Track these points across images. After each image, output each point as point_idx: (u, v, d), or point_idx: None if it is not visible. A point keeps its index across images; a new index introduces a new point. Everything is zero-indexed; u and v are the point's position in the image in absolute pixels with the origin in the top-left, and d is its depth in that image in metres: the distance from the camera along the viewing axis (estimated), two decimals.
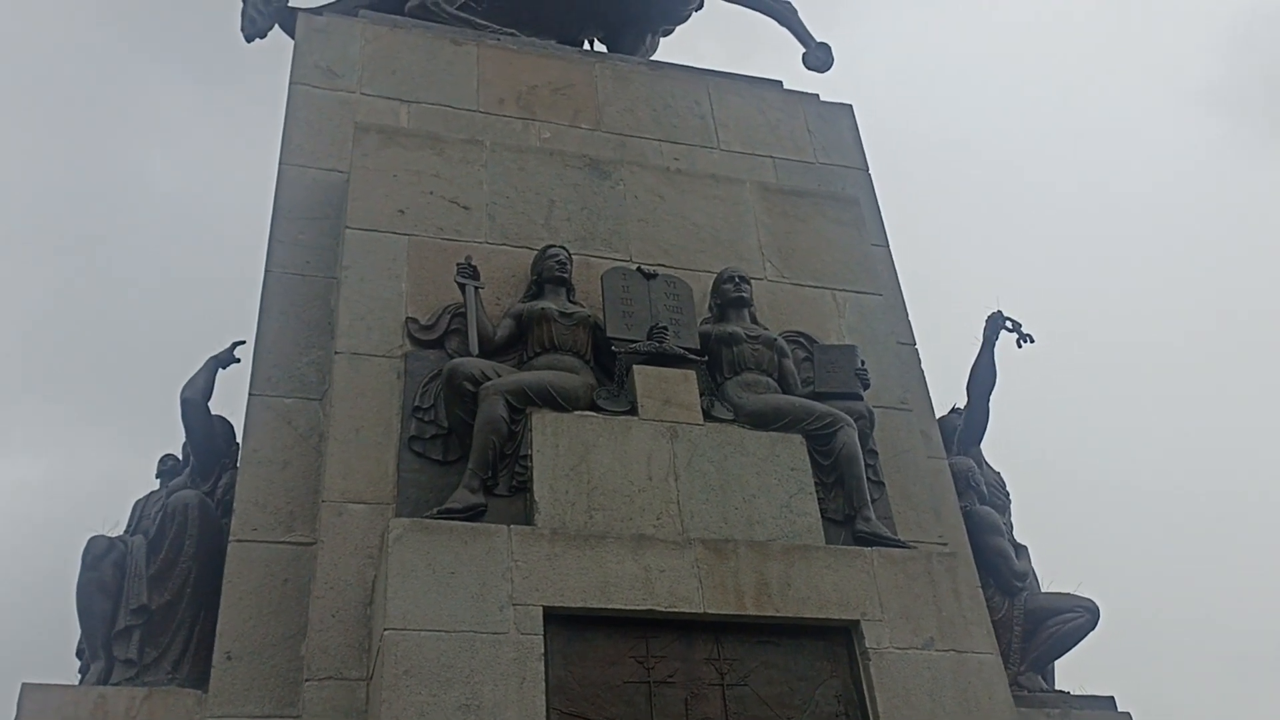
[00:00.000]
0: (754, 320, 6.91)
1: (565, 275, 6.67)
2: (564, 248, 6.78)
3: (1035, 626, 7.14)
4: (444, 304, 6.50)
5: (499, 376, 5.98)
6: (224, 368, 7.19)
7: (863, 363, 6.74)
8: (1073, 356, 22.92)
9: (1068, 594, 7.35)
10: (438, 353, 6.33)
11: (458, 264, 6.44)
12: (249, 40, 9.29)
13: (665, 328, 6.39)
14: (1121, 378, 24.29)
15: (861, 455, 6.27)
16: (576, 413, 5.97)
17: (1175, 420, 23.81)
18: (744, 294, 6.88)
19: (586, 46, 10.57)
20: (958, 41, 30.39)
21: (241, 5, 9.37)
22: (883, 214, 8.65)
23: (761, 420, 6.28)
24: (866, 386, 6.69)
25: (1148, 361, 24.62)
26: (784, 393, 6.58)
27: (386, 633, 4.86)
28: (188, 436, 6.90)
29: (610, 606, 5.21)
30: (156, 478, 7.32)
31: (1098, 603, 7.24)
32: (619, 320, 6.48)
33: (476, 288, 6.40)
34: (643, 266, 6.80)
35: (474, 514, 5.53)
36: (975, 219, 26.70)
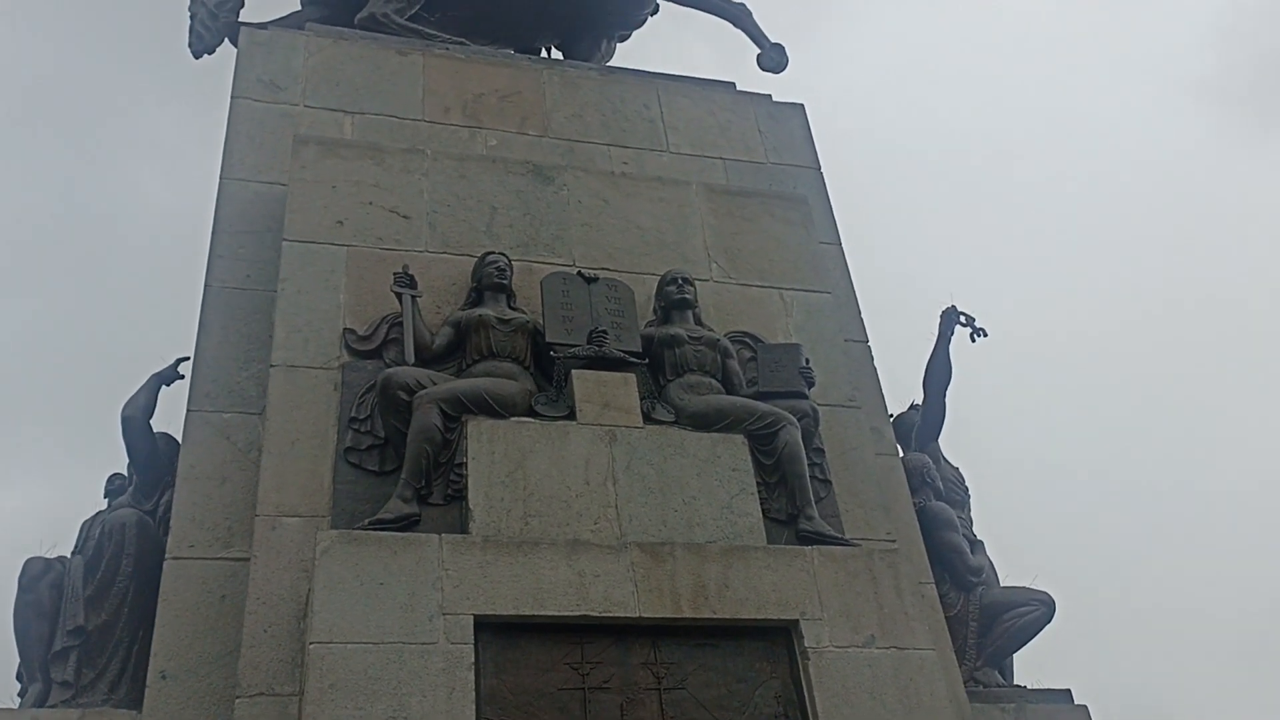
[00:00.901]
0: (698, 322, 6.86)
1: (504, 282, 6.62)
2: (504, 254, 6.74)
3: (991, 621, 7.09)
4: (383, 314, 6.45)
5: (434, 385, 5.93)
6: (167, 384, 7.15)
7: (807, 361, 6.68)
8: (1050, 349, 22.89)
9: (1024, 587, 7.30)
10: (375, 363, 6.28)
11: (394, 273, 6.39)
12: (197, 56, 9.25)
13: (605, 331, 6.35)
14: (1098, 370, 24.23)
15: (804, 454, 6.21)
16: (513, 419, 5.92)
17: (1148, 413, 23.77)
18: (687, 295, 6.84)
19: (544, 54, 10.56)
20: (948, 35, 30.37)
21: (189, 21, 9.34)
22: (834, 212, 8.61)
23: (703, 421, 6.23)
24: (811, 385, 6.63)
25: (1127, 353, 24.58)
26: (728, 393, 6.53)
27: (312, 646, 4.80)
28: (129, 455, 6.85)
29: (543, 613, 5.15)
30: (105, 497, 7.26)
31: (1054, 595, 7.18)
32: (559, 325, 6.44)
33: (413, 296, 6.35)
34: (583, 270, 6.76)
35: (407, 524, 5.47)
36: (963, 216, 26.63)
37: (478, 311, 6.42)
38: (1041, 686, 6.93)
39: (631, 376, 6.26)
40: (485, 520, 5.49)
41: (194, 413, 6.40)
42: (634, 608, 5.25)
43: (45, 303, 22.66)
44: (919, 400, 8.33)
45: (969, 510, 7.94)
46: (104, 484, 7.32)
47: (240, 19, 9.24)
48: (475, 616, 5.05)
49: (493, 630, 5.09)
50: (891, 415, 8.43)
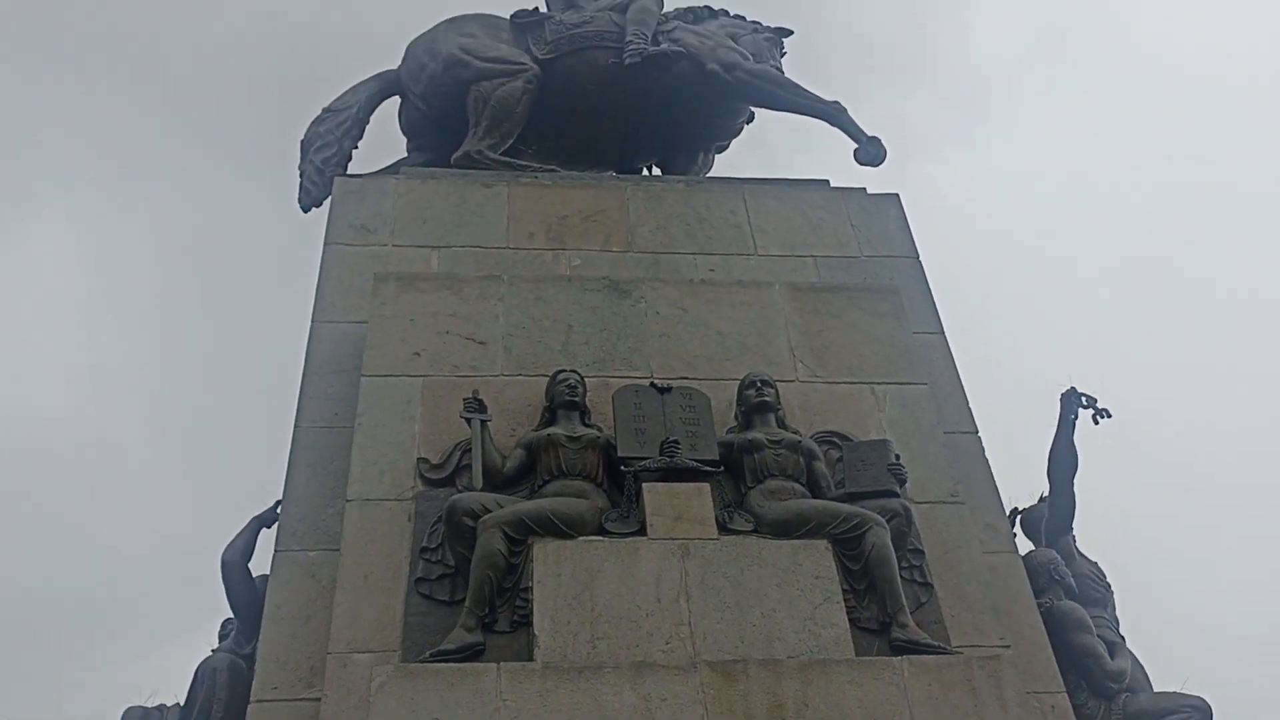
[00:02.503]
0: (781, 425, 6.58)
1: (576, 399, 6.52)
2: (575, 371, 6.66)
3: None
4: (456, 441, 6.43)
5: (500, 509, 5.82)
6: (268, 527, 7.29)
7: (897, 457, 6.30)
8: (1185, 425, 21.09)
9: (1175, 693, 6.55)
10: (448, 490, 6.22)
11: (464, 399, 6.38)
12: (305, 210, 9.67)
13: (677, 442, 6.15)
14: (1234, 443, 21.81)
15: (894, 556, 5.79)
16: (581, 539, 5.74)
17: None
18: (766, 398, 6.58)
19: (645, 172, 10.65)
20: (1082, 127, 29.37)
21: (299, 179, 9.82)
22: (936, 300, 8.21)
23: (784, 528, 5.91)
24: (903, 482, 6.23)
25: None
26: (814, 497, 6.19)
27: None
28: (229, 599, 6.97)
29: None
30: (218, 642, 7.39)
31: (1210, 701, 6.40)
32: (631, 438, 6.27)
33: (483, 421, 6.31)
34: (655, 381, 6.61)
35: (470, 654, 5.32)
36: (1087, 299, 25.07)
37: (547, 431, 6.33)
38: None
39: (705, 487, 6.02)
40: (550, 646, 5.29)
41: (281, 553, 6.47)
42: None
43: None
44: (1045, 492, 7.74)
45: (1112, 609, 7.25)
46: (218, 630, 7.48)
47: (348, 172, 9.69)
48: None
49: None
50: (1019, 509, 7.88)
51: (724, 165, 11.09)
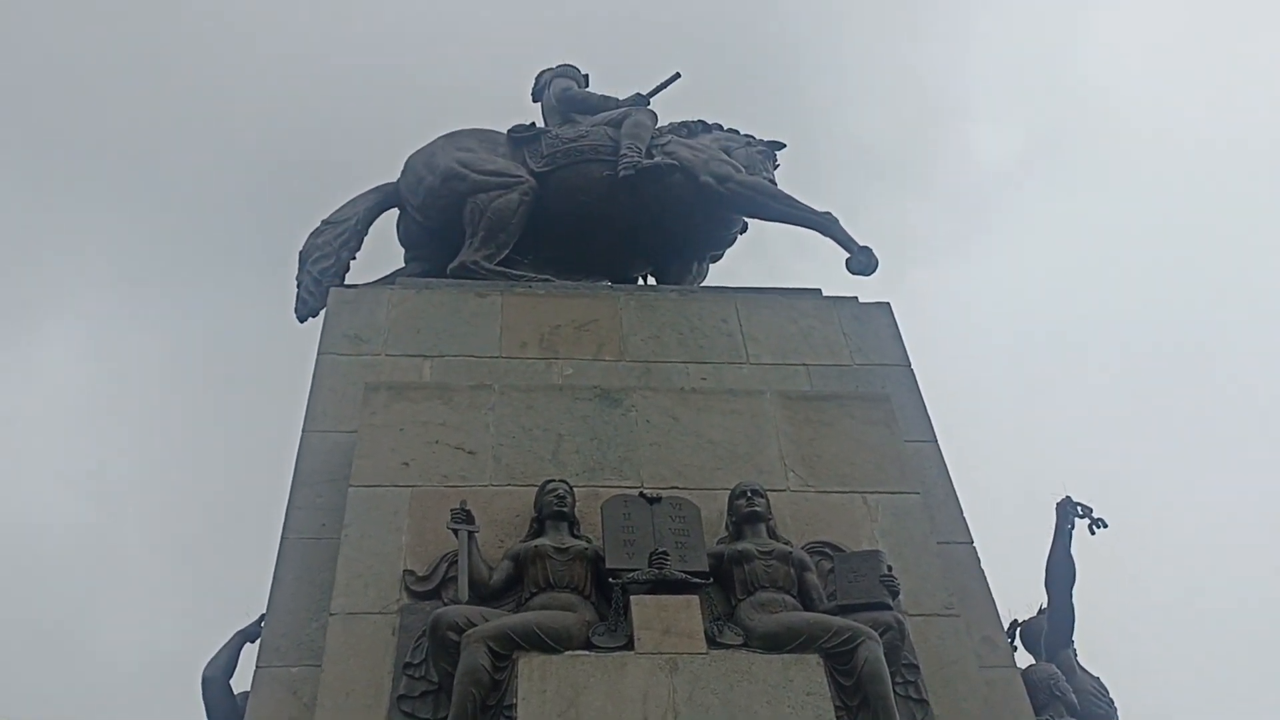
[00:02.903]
0: (772, 535, 6.50)
1: (564, 509, 6.46)
2: (564, 481, 6.61)
3: None
4: (443, 553, 6.35)
5: (485, 622, 5.72)
6: (251, 642, 7.16)
7: (889, 568, 6.20)
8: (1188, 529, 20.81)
9: None
10: (434, 603, 6.12)
11: (451, 509, 6.32)
12: (301, 320, 9.74)
13: (666, 553, 6.07)
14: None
15: (887, 671, 5.66)
16: (567, 653, 5.62)
17: None
18: (757, 508, 6.52)
19: (640, 281, 10.74)
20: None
21: (296, 289, 9.90)
22: (929, 407, 8.19)
23: (775, 642, 5.79)
24: (895, 594, 6.13)
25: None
26: (806, 609, 6.08)
27: None
28: (208, 717, 6.80)
29: None
30: None
31: None
32: (619, 550, 6.20)
33: (470, 532, 6.24)
34: (645, 491, 6.56)
35: None
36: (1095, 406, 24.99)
37: (535, 542, 6.25)
38: None
39: (694, 599, 5.92)
40: None
41: (262, 669, 6.34)
42: None
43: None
44: (1044, 604, 7.62)
45: None
46: None
47: (345, 283, 9.76)
48: None
49: None
50: (1019, 621, 7.74)
51: (725, 271, 11.23)
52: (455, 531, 6.22)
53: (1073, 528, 7.57)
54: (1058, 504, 7.63)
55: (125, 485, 24.56)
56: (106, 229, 25.94)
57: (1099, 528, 7.37)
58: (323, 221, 10.24)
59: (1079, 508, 7.54)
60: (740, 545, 6.33)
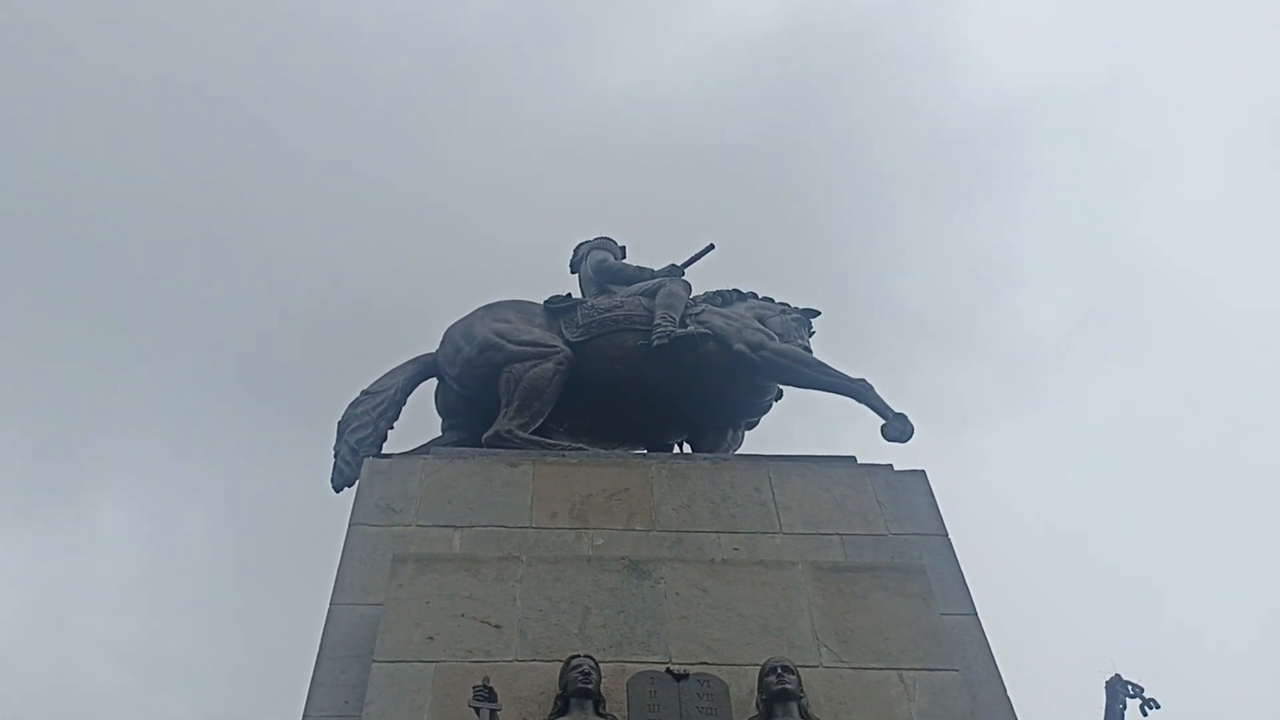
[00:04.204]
0: (804, 714, 6.29)
1: (590, 686, 6.31)
2: (589, 657, 6.47)
3: None
4: None
5: None
6: None
7: None
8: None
9: None
10: None
11: (474, 687, 6.19)
12: (337, 490, 9.77)
13: None
14: None
15: None
16: None
17: None
18: (788, 685, 6.32)
19: (676, 449, 10.73)
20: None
21: (334, 459, 9.98)
22: (973, 579, 7.99)
23: None
24: None
25: None
26: None
27: None
28: None
29: None
30: None
31: None
32: None
33: (493, 710, 6.09)
34: (671, 668, 6.40)
35: None
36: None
37: None
38: None
39: None
40: None
41: None
42: None
43: None
44: None
45: None
46: None
47: (382, 452, 9.85)
48: None
49: None
50: None
51: (773, 431, 11.19)
52: (477, 710, 6.08)
53: (1124, 708, 7.21)
54: (1107, 683, 7.28)
55: (171, 654, 24.45)
56: (155, 401, 26.52)
57: (1151, 709, 7.01)
58: (362, 392, 10.39)
59: (1129, 686, 7.19)
60: None
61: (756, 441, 10.97)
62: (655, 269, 11.53)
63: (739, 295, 11.22)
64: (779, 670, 6.40)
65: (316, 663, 7.17)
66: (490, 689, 6.18)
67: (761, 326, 10.65)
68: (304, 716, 6.85)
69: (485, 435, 9.66)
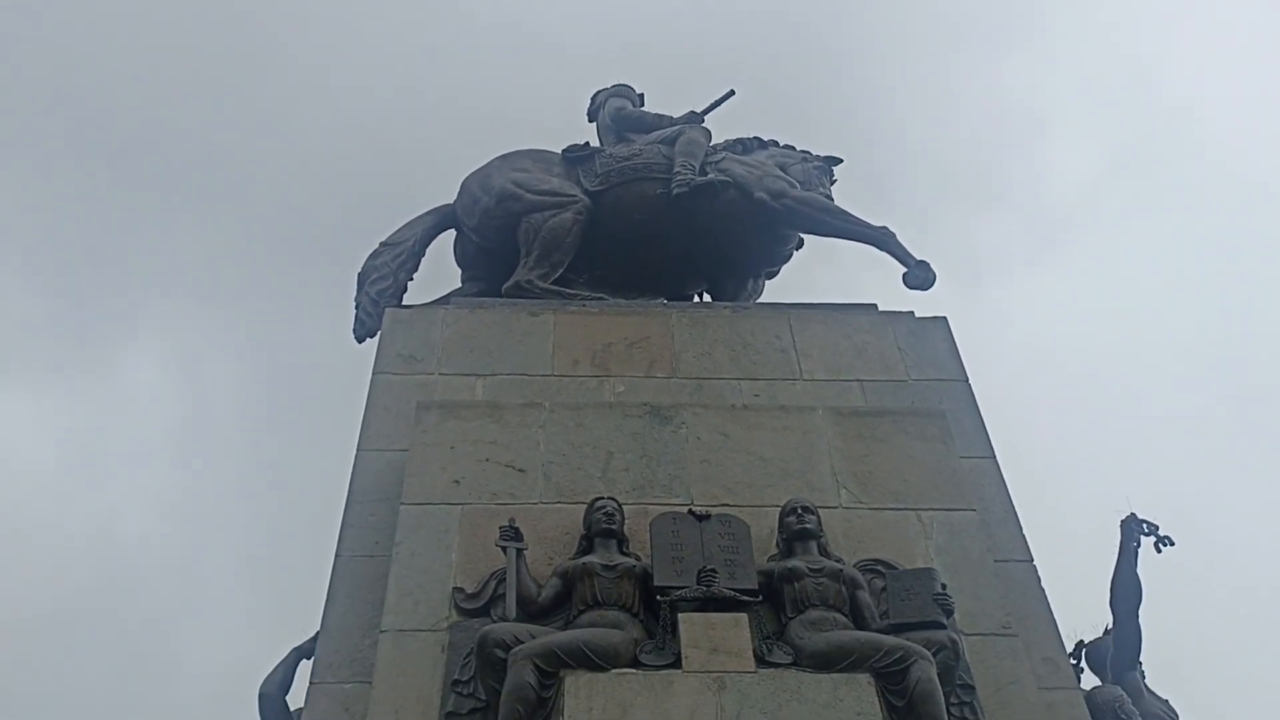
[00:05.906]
0: (823, 552, 6.41)
1: (613, 527, 6.44)
2: (613, 499, 6.59)
3: None
4: (492, 570, 6.36)
5: (533, 639, 5.70)
6: (307, 659, 7.21)
7: (944, 586, 6.07)
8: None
9: None
10: (482, 620, 6.12)
11: (500, 527, 6.33)
12: (360, 341, 9.83)
13: (714, 570, 6.01)
14: None
15: (940, 692, 5.52)
16: (614, 671, 5.58)
17: None
18: (808, 525, 6.43)
19: (695, 299, 10.71)
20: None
21: (354, 310, 10.01)
22: (993, 424, 8.03)
23: (825, 661, 5.69)
24: (950, 613, 6.00)
25: None
26: (858, 628, 5.98)
27: None
28: None
29: None
30: None
31: None
32: (668, 567, 6.15)
33: (519, 549, 6.24)
34: (694, 508, 6.51)
35: None
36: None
37: (583, 560, 6.24)
38: None
39: (743, 617, 5.85)
40: None
41: (316, 685, 6.40)
42: None
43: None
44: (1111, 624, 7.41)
45: None
46: None
47: (403, 303, 9.86)
48: None
49: None
50: (1084, 642, 7.53)
51: (794, 279, 11.14)
52: (504, 549, 6.22)
53: (1138, 546, 7.36)
54: (1122, 521, 7.42)
55: (207, 504, 25.11)
56: (181, 253, 26.57)
57: (1165, 545, 7.16)
58: (381, 243, 10.35)
59: (1144, 525, 7.33)
60: (790, 563, 6.25)
61: (778, 290, 10.96)
62: (675, 116, 11.28)
63: (760, 143, 10.99)
64: (799, 510, 6.51)
65: (346, 506, 7.32)
66: (516, 529, 6.31)
67: (783, 174, 10.46)
68: (336, 557, 7.03)
69: (505, 286, 9.64)
